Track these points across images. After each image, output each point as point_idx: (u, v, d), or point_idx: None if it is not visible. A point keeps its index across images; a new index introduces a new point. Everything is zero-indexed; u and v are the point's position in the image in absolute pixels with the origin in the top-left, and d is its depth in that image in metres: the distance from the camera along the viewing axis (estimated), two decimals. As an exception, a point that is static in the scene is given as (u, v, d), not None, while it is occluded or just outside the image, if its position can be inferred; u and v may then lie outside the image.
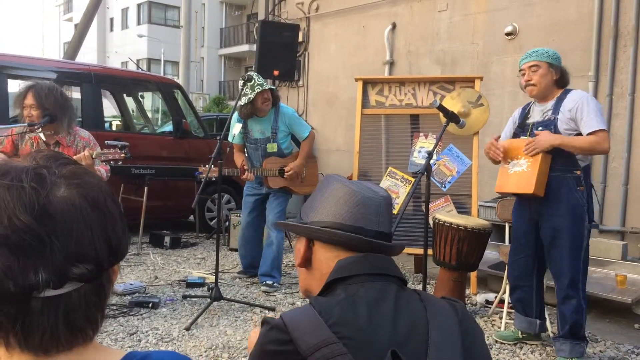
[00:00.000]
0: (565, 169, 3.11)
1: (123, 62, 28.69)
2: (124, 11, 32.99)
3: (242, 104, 4.34)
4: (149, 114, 11.39)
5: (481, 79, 4.88)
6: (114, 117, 10.89)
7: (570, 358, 3.13)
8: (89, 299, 0.68)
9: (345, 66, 7.98)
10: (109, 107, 8.15)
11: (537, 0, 6.03)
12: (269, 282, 4.48)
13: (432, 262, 3.91)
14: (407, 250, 4.28)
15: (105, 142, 4.65)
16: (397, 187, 4.85)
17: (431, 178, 3.57)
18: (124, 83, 7.30)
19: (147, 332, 3.49)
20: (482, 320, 3.92)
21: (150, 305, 3.91)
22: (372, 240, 1.16)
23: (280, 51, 7.15)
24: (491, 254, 4.71)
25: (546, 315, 3.48)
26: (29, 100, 3.34)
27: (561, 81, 3.21)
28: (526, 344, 3.48)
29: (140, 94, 8.53)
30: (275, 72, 7.17)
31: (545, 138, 3.08)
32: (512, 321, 3.60)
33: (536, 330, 3.43)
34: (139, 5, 31.86)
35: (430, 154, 3.13)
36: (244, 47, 27.56)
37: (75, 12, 32.98)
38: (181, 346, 3.29)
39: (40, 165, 0.69)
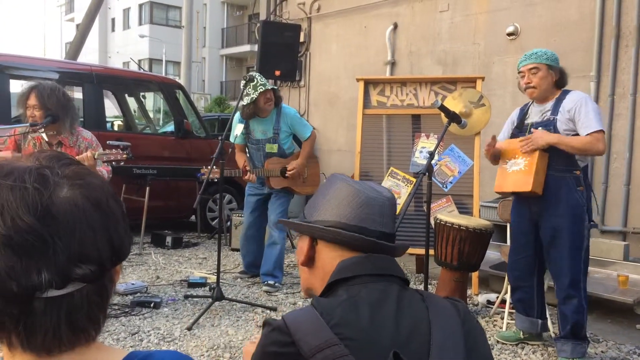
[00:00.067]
0: (565, 169, 3.12)
1: (125, 63, 28.71)
2: (126, 11, 33.02)
3: (245, 104, 4.33)
4: (151, 114, 11.39)
5: (483, 79, 4.87)
6: (116, 117, 10.91)
7: (571, 358, 3.13)
8: (92, 299, 0.68)
9: (347, 66, 7.98)
10: (111, 107, 8.16)
11: (539, 1, 6.02)
12: (271, 282, 4.48)
13: (434, 263, 3.91)
14: (408, 250, 4.27)
15: (107, 142, 4.67)
16: (398, 188, 4.85)
17: (433, 178, 3.57)
18: (125, 83, 7.30)
19: (148, 331, 3.49)
20: (483, 321, 3.92)
21: (152, 305, 3.91)
22: (376, 241, 1.15)
23: (281, 51, 7.15)
24: (493, 254, 4.71)
25: (547, 315, 3.48)
26: (32, 100, 3.35)
27: (560, 82, 3.22)
28: (528, 344, 3.48)
29: (141, 94, 8.54)
30: (277, 73, 7.17)
31: (541, 135, 3.09)
32: (513, 321, 3.59)
33: (538, 330, 3.43)
34: (140, 6, 31.89)
35: (431, 154, 3.13)
36: (246, 47, 27.58)
37: (77, 13, 33.03)
38: (183, 346, 3.30)
39: (43, 165, 0.69)
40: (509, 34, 6.22)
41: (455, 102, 4.28)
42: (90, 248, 0.66)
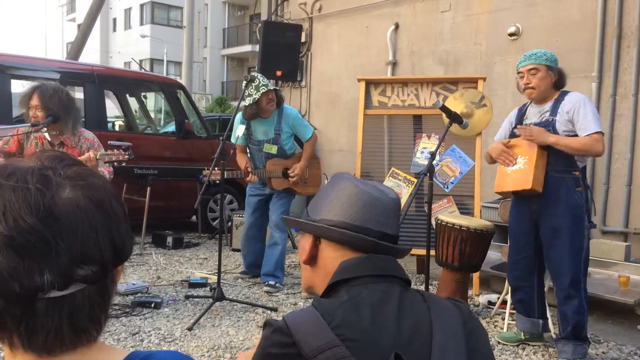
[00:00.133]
0: (564, 169, 3.12)
1: (126, 63, 28.73)
2: (127, 11, 33.05)
3: (247, 104, 4.33)
4: (152, 114, 11.40)
5: (484, 79, 4.87)
6: (117, 117, 10.92)
7: (572, 359, 3.13)
8: (93, 299, 0.68)
9: (348, 66, 7.98)
10: (112, 108, 8.16)
11: (540, 1, 6.02)
12: (272, 282, 4.48)
13: (435, 263, 3.91)
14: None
15: (108, 142, 4.67)
16: (399, 188, 4.84)
17: (434, 179, 3.57)
18: (126, 83, 7.31)
19: (149, 332, 3.49)
20: (484, 321, 3.91)
21: (152, 305, 3.91)
22: (380, 242, 1.15)
23: (282, 51, 7.15)
24: (494, 255, 4.70)
25: (548, 315, 3.48)
26: (34, 101, 3.36)
27: (559, 83, 3.22)
28: (528, 345, 3.47)
29: (143, 94, 8.55)
30: (278, 73, 7.17)
31: (540, 133, 3.10)
32: (514, 322, 3.59)
33: (539, 330, 3.42)
34: (141, 6, 31.91)
35: (433, 155, 3.13)
36: (247, 48, 27.59)
37: (79, 13, 33.06)
38: (183, 346, 3.30)
39: (46, 166, 0.69)
40: (511, 34, 6.22)
41: (456, 103, 4.27)
42: (93, 249, 0.66)
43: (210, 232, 6.75)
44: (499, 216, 4.65)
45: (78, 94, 6.60)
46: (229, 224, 6.18)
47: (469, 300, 4.30)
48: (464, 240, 3.76)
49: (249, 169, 4.46)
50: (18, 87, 6.52)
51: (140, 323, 3.65)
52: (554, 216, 3.13)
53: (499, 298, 4.08)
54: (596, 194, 5.67)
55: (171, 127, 7.99)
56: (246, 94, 4.31)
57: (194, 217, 6.88)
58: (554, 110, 3.17)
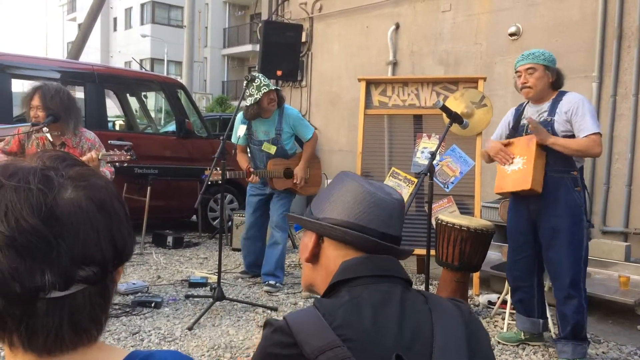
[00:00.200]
0: (563, 169, 3.13)
1: (126, 62, 28.72)
2: (128, 11, 33.05)
3: (248, 104, 4.33)
4: (152, 114, 11.41)
5: (484, 79, 4.87)
6: (117, 116, 10.92)
7: (572, 359, 3.13)
8: (94, 300, 0.68)
9: (348, 66, 7.98)
10: (113, 107, 8.17)
11: (541, 1, 6.02)
12: (272, 282, 4.48)
13: (435, 263, 3.91)
14: (409, 250, 4.27)
15: (109, 141, 4.67)
16: (399, 188, 4.84)
17: (434, 179, 3.57)
18: (127, 83, 7.31)
19: (149, 331, 3.50)
20: (484, 321, 3.92)
21: (152, 304, 3.91)
22: (383, 243, 1.14)
23: (283, 51, 7.15)
24: (494, 255, 4.71)
25: (548, 315, 3.48)
26: (36, 101, 3.37)
27: (556, 83, 3.22)
28: (529, 345, 3.47)
29: (143, 93, 8.55)
30: (279, 72, 7.17)
31: (542, 132, 3.09)
32: (514, 322, 3.59)
33: (539, 330, 3.42)
34: (142, 5, 31.91)
35: (433, 155, 3.13)
36: (247, 47, 27.59)
37: (79, 12, 33.08)
38: (183, 346, 3.30)
39: (48, 166, 0.69)
40: (511, 34, 6.22)
41: (457, 103, 4.27)
42: (94, 250, 0.66)
43: (210, 231, 6.75)
44: (499, 216, 4.65)
45: (79, 93, 6.61)
46: (229, 223, 6.18)
47: (469, 300, 4.30)
48: (464, 240, 3.77)
49: (251, 169, 4.46)
50: (19, 86, 6.53)
51: (140, 322, 3.65)
52: (553, 216, 3.13)
53: (499, 298, 4.09)
54: (596, 194, 5.68)
55: (171, 127, 8.00)
56: (247, 94, 4.31)
57: (194, 217, 6.89)
58: (552, 111, 3.17)
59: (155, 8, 31.38)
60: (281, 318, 1.07)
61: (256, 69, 7.57)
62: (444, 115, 3.49)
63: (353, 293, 1.08)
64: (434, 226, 3.96)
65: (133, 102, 8.16)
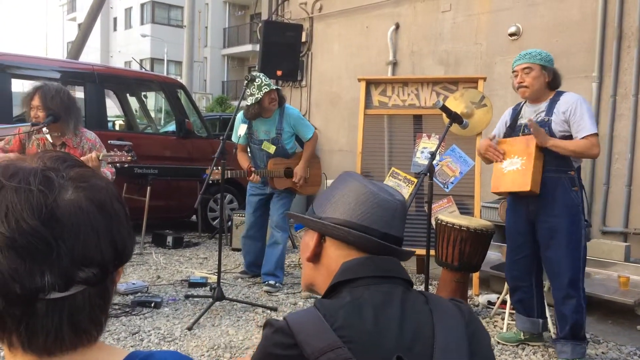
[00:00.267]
0: (560, 169, 3.14)
1: (126, 62, 28.73)
2: (128, 11, 33.05)
3: (249, 104, 4.33)
4: (152, 114, 11.40)
5: (484, 79, 4.87)
6: (117, 116, 10.92)
7: (572, 359, 3.13)
8: (94, 301, 0.68)
9: (348, 66, 7.98)
10: (112, 107, 8.16)
11: (541, 1, 6.02)
12: (272, 282, 4.48)
13: (435, 263, 3.91)
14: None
15: (109, 141, 4.67)
16: (399, 188, 4.84)
17: (434, 179, 3.57)
18: (127, 83, 7.31)
19: (149, 331, 3.50)
20: (484, 322, 3.92)
21: (152, 304, 3.91)
22: (385, 243, 1.14)
23: (283, 51, 7.16)
24: (493, 255, 4.71)
25: (547, 315, 3.48)
26: (36, 101, 3.37)
27: (553, 83, 3.23)
28: (528, 345, 3.47)
29: (143, 93, 8.55)
30: (279, 72, 7.17)
31: (542, 134, 3.09)
32: (514, 322, 3.59)
33: (539, 330, 3.43)
34: (142, 5, 31.92)
35: (433, 155, 3.13)
36: (247, 47, 27.59)
37: (79, 12, 33.08)
38: (183, 346, 3.30)
39: (48, 167, 0.69)
40: (511, 34, 6.22)
41: (456, 103, 4.27)
42: (94, 251, 0.66)
43: (210, 231, 6.75)
44: (499, 216, 4.65)
45: (78, 93, 6.61)
46: (229, 223, 6.18)
47: (468, 300, 4.30)
48: (463, 240, 3.77)
49: (252, 169, 4.46)
50: (18, 86, 6.52)
51: (140, 323, 3.65)
52: (551, 216, 3.14)
53: (498, 298, 4.09)
54: (596, 194, 5.68)
55: (171, 127, 7.99)
56: (248, 94, 4.31)
57: (194, 217, 6.89)
58: (549, 111, 3.18)
59: (155, 8, 31.38)
60: (281, 318, 1.06)
61: (256, 68, 7.57)
62: (444, 115, 3.50)
63: (354, 294, 1.08)
64: (434, 226, 3.96)
65: (133, 102, 8.16)
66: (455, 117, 3.36)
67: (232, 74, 30.34)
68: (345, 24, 8.08)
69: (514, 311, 3.56)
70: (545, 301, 3.45)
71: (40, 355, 0.67)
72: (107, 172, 3.44)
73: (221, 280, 4.07)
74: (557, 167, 3.14)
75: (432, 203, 3.22)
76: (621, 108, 5.52)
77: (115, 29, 34.19)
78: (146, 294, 4.21)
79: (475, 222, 3.89)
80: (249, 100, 4.31)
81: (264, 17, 8.92)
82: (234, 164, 4.72)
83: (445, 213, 4.40)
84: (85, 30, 13.03)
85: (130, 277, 4.67)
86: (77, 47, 12.84)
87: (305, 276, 1.26)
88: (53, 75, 5.73)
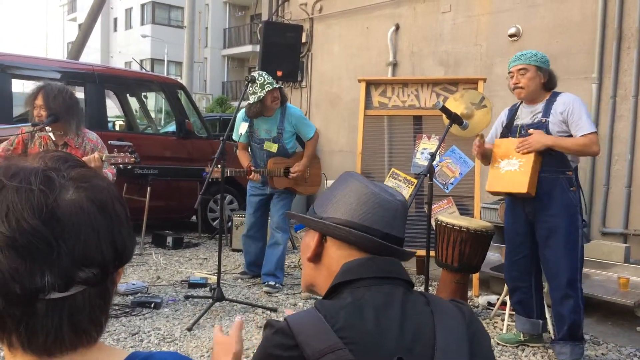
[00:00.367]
0: (558, 170, 3.15)
1: (126, 62, 28.73)
2: (128, 11, 33.05)
3: (252, 102, 4.32)
4: (152, 114, 11.40)
5: (484, 80, 4.88)
6: (117, 117, 10.92)
7: (572, 360, 3.13)
8: (94, 301, 0.68)
9: (349, 67, 7.98)
10: (113, 107, 8.16)
11: (541, 2, 6.02)
12: (272, 283, 4.48)
13: (434, 264, 3.91)
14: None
15: (109, 142, 4.67)
16: (399, 189, 4.84)
17: (434, 179, 3.57)
18: (127, 83, 7.31)
19: (149, 332, 3.50)
20: (484, 323, 3.91)
21: (152, 305, 3.91)
22: (386, 244, 1.14)
23: (283, 52, 7.15)
24: (493, 256, 4.71)
25: (547, 316, 3.48)
26: (39, 100, 3.38)
27: (549, 84, 3.24)
28: (528, 346, 3.47)
29: (143, 94, 8.55)
30: (279, 73, 7.17)
31: (538, 139, 3.11)
32: (514, 323, 3.59)
33: (539, 331, 3.43)
34: (142, 6, 31.92)
35: (433, 156, 3.13)
36: (247, 48, 27.59)
37: (79, 12, 33.08)
38: (183, 346, 3.30)
39: (50, 167, 0.69)
40: (511, 35, 6.22)
41: (456, 104, 4.26)
42: (94, 251, 0.66)
43: (210, 232, 6.75)
44: (499, 217, 4.64)
45: (79, 93, 6.59)
46: (229, 224, 6.18)
47: (468, 301, 4.30)
48: (463, 241, 3.77)
49: (252, 168, 4.46)
50: (19, 86, 6.52)
51: (139, 323, 3.65)
52: (549, 216, 3.15)
53: (498, 299, 4.09)
54: (596, 195, 5.68)
55: (171, 127, 7.99)
56: (250, 92, 4.31)
57: (194, 217, 6.89)
58: (546, 112, 3.19)
59: (155, 8, 31.39)
60: (282, 319, 1.06)
61: (256, 69, 7.57)
62: (444, 116, 3.50)
63: (355, 295, 1.07)
64: (434, 227, 3.96)
65: (133, 102, 8.17)
66: (455, 118, 3.37)
67: (232, 74, 30.35)
68: (345, 24, 8.08)
69: (513, 312, 3.56)
70: (544, 302, 3.45)
71: (40, 355, 0.67)
72: (108, 172, 3.45)
73: (221, 281, 4.07)
74: (554, 167, 3.14)
75: (432, 204, 3.22)
76: (621, 109, 5.52)
77: (115, 30, 34.20)
78: (146, 295, 4.21)
79: (475, 223, 3.89)
80: (251, 99, 4.30)
81: (264, 17, 8.92)
82: (234, 164, 4.72)
83: (445, 214, 4.40)
84: (85, 31, 13.03)
85: (130, 278, 4.67)
86: (78, 47, 12.84)
87: (305, 276, 1.25)
88: (53, 75, 5.73)
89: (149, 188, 5.71)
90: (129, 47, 30.75)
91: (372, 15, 7.72)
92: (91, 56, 26.24)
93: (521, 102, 3.37)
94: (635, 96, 5.40)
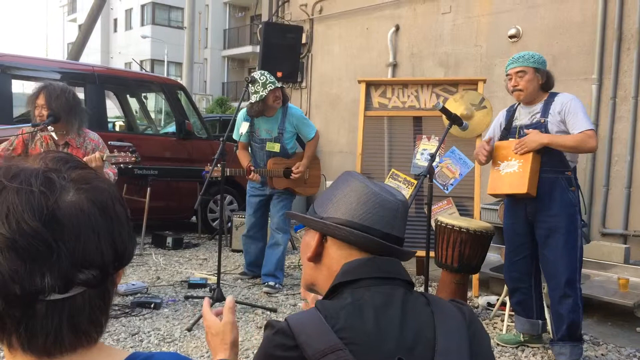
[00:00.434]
0: (557, 170, 3.15)
1: (126, 63, 28.75)
2: (128, 12, 33.06)
3: (254, 101, 4.32)
4: (152, 115, 11.40)
5: (484, 81, 4.88)
6: (117, 117, 10.92)
7: (571, 360, 3.13)
8: (94, 302, 0.68)
9: (349, 68, 7.99)
10: (113, 108, 8.17)
11: (541, 3, 6.02)
12: (271, 283, 4.48)
13: (434, 265, 3.91)
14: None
15: (109, 142, 4.67)
16: (399, 189, 4.84)
17: (434, 180, 3.58)
18: (127, 84, 7.31)
19: (149, 332, 3.50)
20: (484, 323, 3.91)
21: (152, 305, 3.91)
22: (387, 244, 1.14)
23: (283, 53, 7.15)
24: (493, 257, 4.71)
25: (547, 316, 3.48)
26: (41, 100, 3.38)
27: (547, 85, 3.26)
28: (528, 346, 3.47)
29: (143, 94, 8.55)
30: (279, 74, 7.15)
31: (534, 138, 3.12)
32: (513, 324, 3.59)
33: (539, 331, 3.43)
34: (142, 6, 31.93)
35: (432, 156, 3.14)
36: (248, 49, 27.60)
37: (79, 13, 33.09)
38: (183, 347, 3.30)
39: (50, 168, 0.68)
40: (511, 36, 6.22)
41: (456, 104, 4.27)
42: (94, 253, 0.66)
43: (210, 232, 6.75)
44: (499, 218, 4.64)
45: (79, 94, 6.58)
46: (229, 224, 6.18)
47: (468, 301, 4.30)
48: (463, 242, 3.77)
49: (252, 167, 4.46)
50: (19, 87, 6.52)
51: (139, 323, 3.65)
52: (549, 216, 3.15)
53: (498, 300, 4.09)
54: (596, 196, 5.68)
55: (171, 128, 7.99)
56: (252, 91, 4.30)
57: (193, 218, 6.89)
58: (544, 112, 3.20)
59: (155, 9, 31.40)
60: (282, 319, 1.06)
61: (256, 70, 7.56)
62: (444, 117, 3.50)
63: (355, 295, 1.07)
64: (434, 228, 3.96)
65: (133, 103, 8.16)
66: (455, 119, 3.37)
67: (232, 75, 30.35)
68: (345, 25, 8.08)
69: (513, 313, 3.56)
70: (544, 302, 3.45)
71: (40, 356, 0.67)
72: (110, 172, 3.44)
73: (221, 282, 4.07)
74: (554, 167, 3.15)
75: (431, 204, 3.22)
76: (621, 110, 5.52)
77: (115, 30, 34.21)
78: (146, 295, 4.21)
79: (474, 223, 3.89)
80: (253, 98, 4.30)
81: (264, 18, 8.93)
82: (234, 165, 4.72)
83: (445, 215, 4.40)
84: (85, 32, 13.04)
85: (130, 278, 4.67)
86: (78, 48, 12.85)
87: (305, 276, 1.25)
88: (53, 76, 5.73)
89: (148, 189, 5.71)
90: (129, 47, 30.76)
91: (372, 16, 7.72)
92: (91, 57, 26.26)
93: (519, 103, 3.38)
94: (635, 97, 5.40)
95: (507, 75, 3.31)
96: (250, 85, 4.32)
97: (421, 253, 3.41)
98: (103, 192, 0.70)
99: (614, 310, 4.16)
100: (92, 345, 0.71)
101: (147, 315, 3.80)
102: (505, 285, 3.72)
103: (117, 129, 10.07)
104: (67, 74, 6.11)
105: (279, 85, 4.35)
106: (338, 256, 1.16)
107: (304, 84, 8.60)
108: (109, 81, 6.80)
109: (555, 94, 3.24)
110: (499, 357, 3.35)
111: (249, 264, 4.86)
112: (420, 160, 4.82)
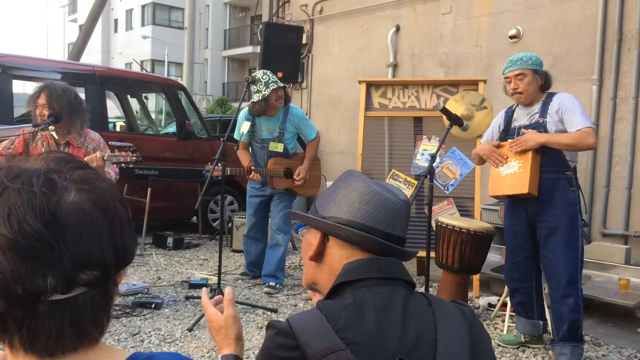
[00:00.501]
0: (557, 170, 3.16)
1: (127, 63, 28.75)
2: (128, 12, 33.08)
3: (256, 100, 4.32)
4: (153, 115, 11.41)
5: (485, 81, 4.88)
6: (118, 118, 10.93)
7: (572, 361, 3.13)
8: (96, 302, 0.68)
9: (349, 68, 7.99)
10: (113, 108, 8.17)
11: (541, 3, 6.03)
12: (272, 284, 4.48)
13: (435, 265, 3.91)
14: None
15: (110, 143, 4.67)
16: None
17: (434, 181, 3.58)
18: (127, 84, 7.32)
19: (149, 332, 3.50)
20: (484, 324, 3.91)
21: (153, 305, 3.91)
22: (389, 244, 1.13)
23: (283, 53, 7.16)
24: (494, 257, 4.71)
25: (547, 317, 3.47)
26: (42, 99, 3.38)
27: (545, 85, 3.27)
28: (529, 347, 3.47)
29: (144, 95, 8.56)
30: (279, 74, 7.15)
31: (532, 137, 3.12)
32: (514, 325, 3.59)
33: (540, 332, 3.43)
34: (143, 7, 31.94)
35: (433, 157, 3.14)
36: (248, 49, 27.59)
37: (80, 13, 33.10)
38: (184, 347, 3.30)
39: (52, 168, 0.68)
40: (511, 37, 6.22)
41: (457, 105, 4.28)
42: (96, 254, 0.66)
43: (210, 233, 6.75)
44: (499, 218, 4.64)
45: (79, 94, 6.60)
46: (230, 225, 6.18)
47: (468, 302, 4.30)
48: (464, 243, 3.77)
49: (252, 167, 4.46)
50: (19, 87, 6.53)
51: (140, 324, 3.65)
52: (550, 216, 3.15)
53: (499, 300, 4.09)
54: (596, 197, 5.68)
55: (172, 128, 7.99)
56: (254, 90, 4.30)
57: (194, 218, 6.89)
58: (543, 112, 3.21)
59: (155, 9, 31.40)
60: (283, 320, 1.06)
61: (256, 70, 7.57)
62: (444, 117, 3.50)
63: (357, 295, 1.07)
64: (434, 228, 3.96)
65: (134, 103, 8.17)
66: (455, 120, 3.37)
67: (232, 75, 30.36)
68: (345, 26, 8.09)
69: (514, 313, 3.56)
70: (545, 303, 3.45)
71: (42, 356, 0.67)
72: (111, 172, 3.44)
73: (221, 282, 4.07)
74: (554, 167, 3.16)
75: (432, 205, 3.22)
76: (621, 111, 5.52)
77: (116, 31, 34.22)
78: (147, 295, 4.21)
79: (475, 224, 3.89)
80: (255, 97, 4.29)
81: (265, 19, 8.93)
82: (234, 165, 4.72)
83: (446, 215, 4.40)
84: (86, 32, 13.06)
85: (131, 278, 4.67)
86: (78, 48, 12.86)
87: (307, 275, 1.24)
88: (54, 76, 5.73)
89: (149, 189, 5.71)
90: (130, 48, 30.77)
91: (372, 17, 7.72)
92: (92, 57, 26.28)
93: (517, 104, 3.38)
94: (636, 98, 5.40)
95: (505, 77, 3.31)
96: (252, 84, 4.32)
97: (422, 253, 3.41)
98: (104, 193, 0.70)
99: (615, 311, 4.16)
100: (94, 345, 0.71)
101: (147, 315, 3.81)
102: (505, 286, 3.72)
103: (117, 129, 10.07)
104: (68, 74, 6.11)
105: (281, 84, 4.35)
106: (340, 256, 1.16)
107: (304, 85, 8.60)
108: (110, 81, 6.80)
109: (553, 94, 3.25)
110: (500, 358, 3.35)
111: (249, 264, 4.86)
112: (421, 160, 4.83)
